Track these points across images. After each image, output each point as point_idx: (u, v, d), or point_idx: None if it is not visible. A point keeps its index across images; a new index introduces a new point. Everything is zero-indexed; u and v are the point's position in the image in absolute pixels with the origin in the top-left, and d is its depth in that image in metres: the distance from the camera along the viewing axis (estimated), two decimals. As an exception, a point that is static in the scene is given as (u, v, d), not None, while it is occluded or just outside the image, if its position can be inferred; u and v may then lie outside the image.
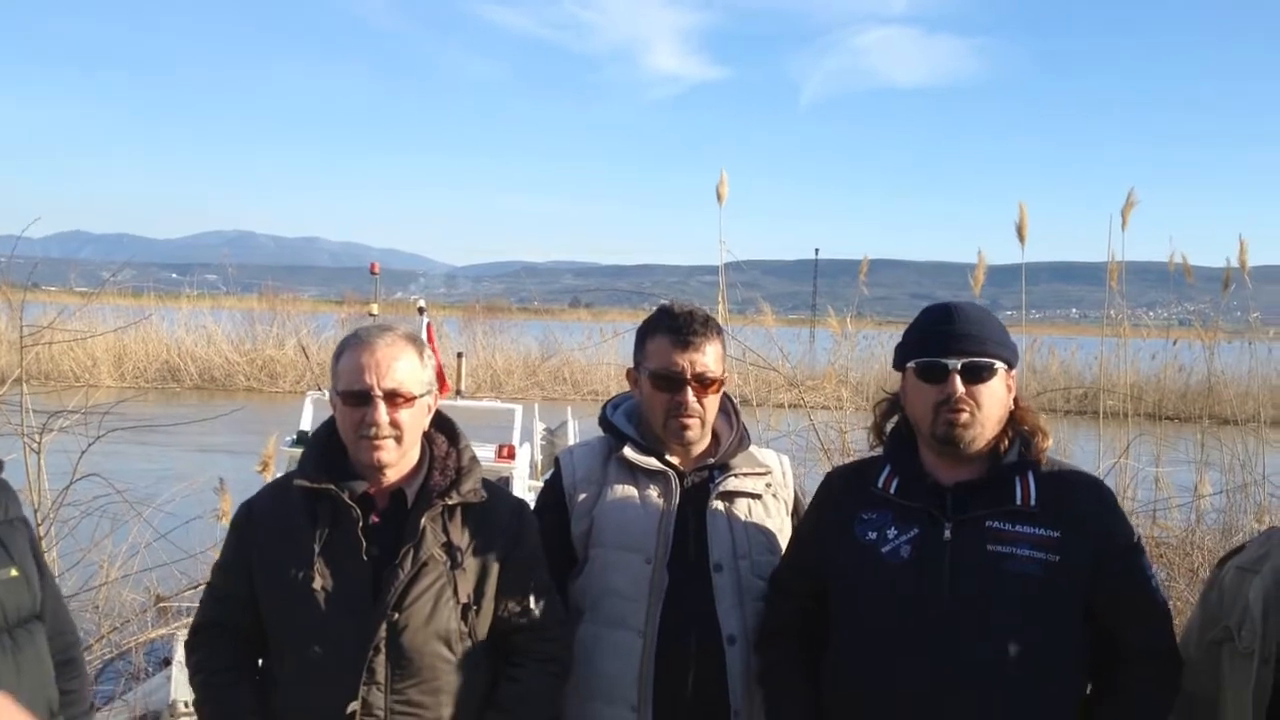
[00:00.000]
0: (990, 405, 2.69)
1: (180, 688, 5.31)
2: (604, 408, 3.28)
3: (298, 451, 7.25)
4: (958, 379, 2.68)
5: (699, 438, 3.09)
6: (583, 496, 3.11)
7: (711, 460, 3.13)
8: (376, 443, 2.71)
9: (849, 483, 2.91)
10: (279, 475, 2.96)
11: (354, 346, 2.76)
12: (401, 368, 2.74)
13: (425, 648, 2.69)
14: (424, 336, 8.09)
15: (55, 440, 6.06)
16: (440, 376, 8.14)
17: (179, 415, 9.51)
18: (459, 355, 8.58)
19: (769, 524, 3.12)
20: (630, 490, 3.08)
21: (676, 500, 3.05)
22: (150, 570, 7.09)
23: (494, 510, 2.85)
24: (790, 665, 2.91)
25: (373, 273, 8.30)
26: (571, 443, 8.47)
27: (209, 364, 30.54)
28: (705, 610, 2.99)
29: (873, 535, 2.75)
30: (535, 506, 3.23)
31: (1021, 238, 7.85)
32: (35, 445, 5.73)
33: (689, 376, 3.03)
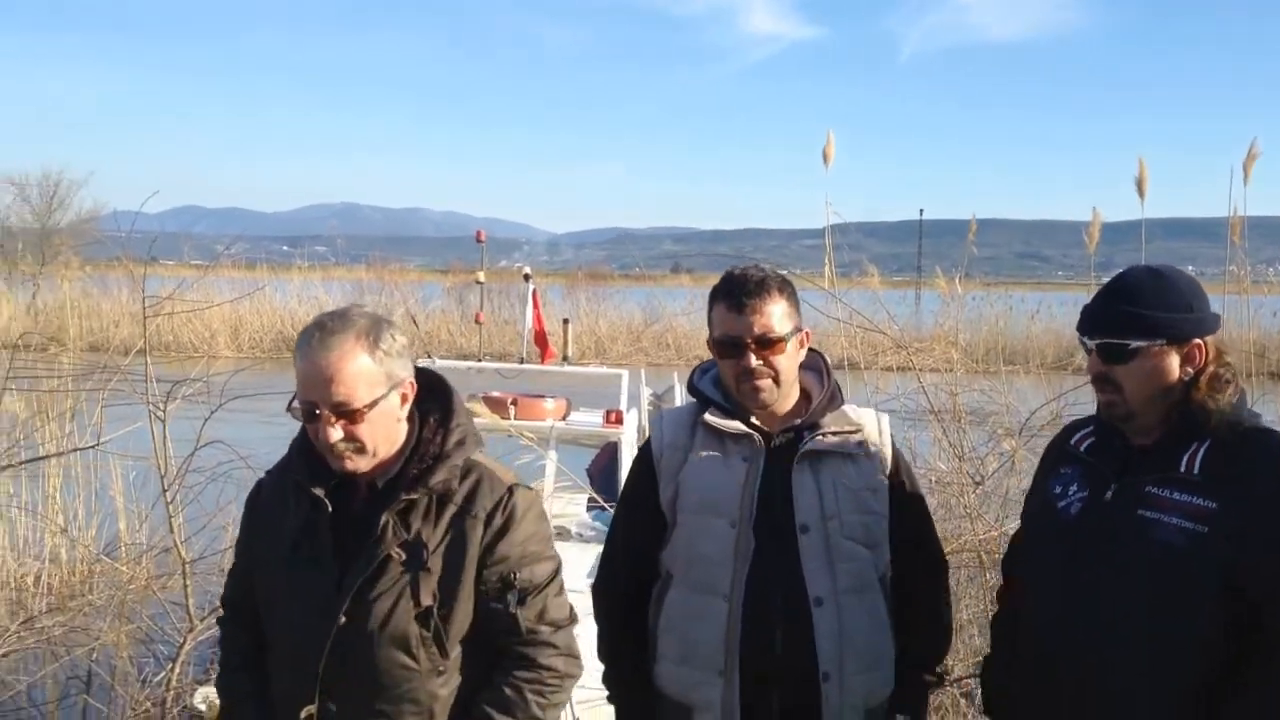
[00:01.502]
0: (1134, 385, 2.64)
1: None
2: (692, 373, 3.27)
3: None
4: (1097, 359, 2.67)
5: (774, 399, 3.05)
6: (669, 462, 3.12)
7: (799, 420, 3.08)
8: (335, 455, 2.50)
9: (1061, 439, 2.93)
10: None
11: (302, 352, 2.49)
12: (349, 377, 2.45)
13: (380, 652, 2.49)
14: (530, 303, 8.21)
15: (179, 409, 6.23)
16: (545, 342, 8.24)
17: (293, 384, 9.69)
18: (565, 321, 8.63)
19: (860, 483, 3.06)
20: (715, 454, 3.07)
21: (761, 462, 3.03)
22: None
23: (477, 498, 2.59)
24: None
25: (478, 240, 8.37)
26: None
27: (321, 334, 31.04)
28: (792, 572, 2.97)
29: (1059, 490, 2.77)
30: (629, 472, 3.26)
31: (1141, 193, 7.66)
32: (160, 414, 5.91)
33: (749, 340, 2.99)
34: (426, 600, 2.50)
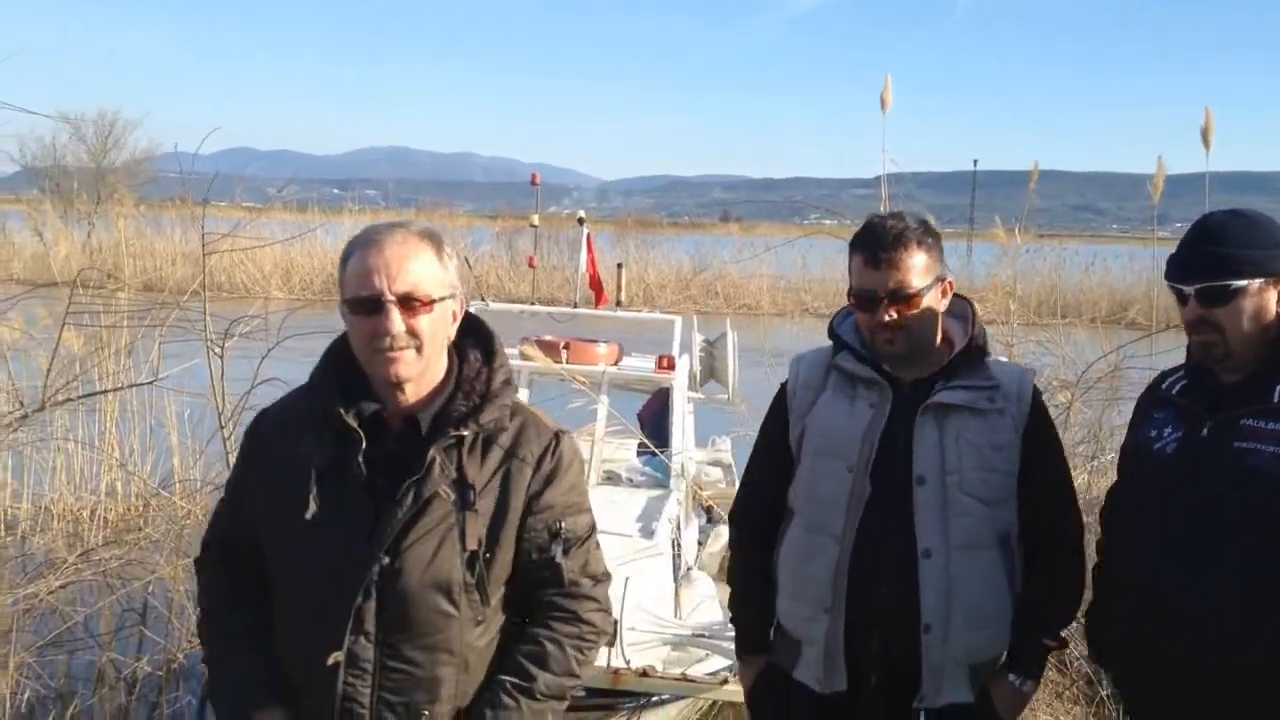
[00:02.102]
0: (1235, 325, 2.64)
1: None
2: (834, 316, 3.28)
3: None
4: (1196, 304, 2.66)
5: (905, 352, 3.03)
6: (800, 402, 3.16)
7: (933, 370, 3.06)
8: (392, 355, 2.33)
9: (1152, 387, 2.95)
10: (298, 387, 2.61)
11: (362, 247, 2.37)
12: (416, 268, 2.34)
13: (421, 597, 2.34)
14: (585, 247, 8.18)
15: (235, 346, 6.27)
16: (599, 286, 8.21)
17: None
18: (618, 266, 8.56)
19: (986, 440, 3.01)
20: (843, 398, 3.09)
21: (888, 410, 3.02)
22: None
23: (524, 443, 2.46)
24: None
25: (534, 184, 8.31)
26: (731, 355, 8.47)
27: (372, 277, 31.21)
28: (904, 523, 2.96)
29: (1153, 434, 2.79)
30: (768, 409, 3.30)
31: (1206, 144, 7.47)
32: (218, 351, 5.94)
33: (883, 295, 2.97)
34: (473, 544, 2.36)
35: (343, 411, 2.36)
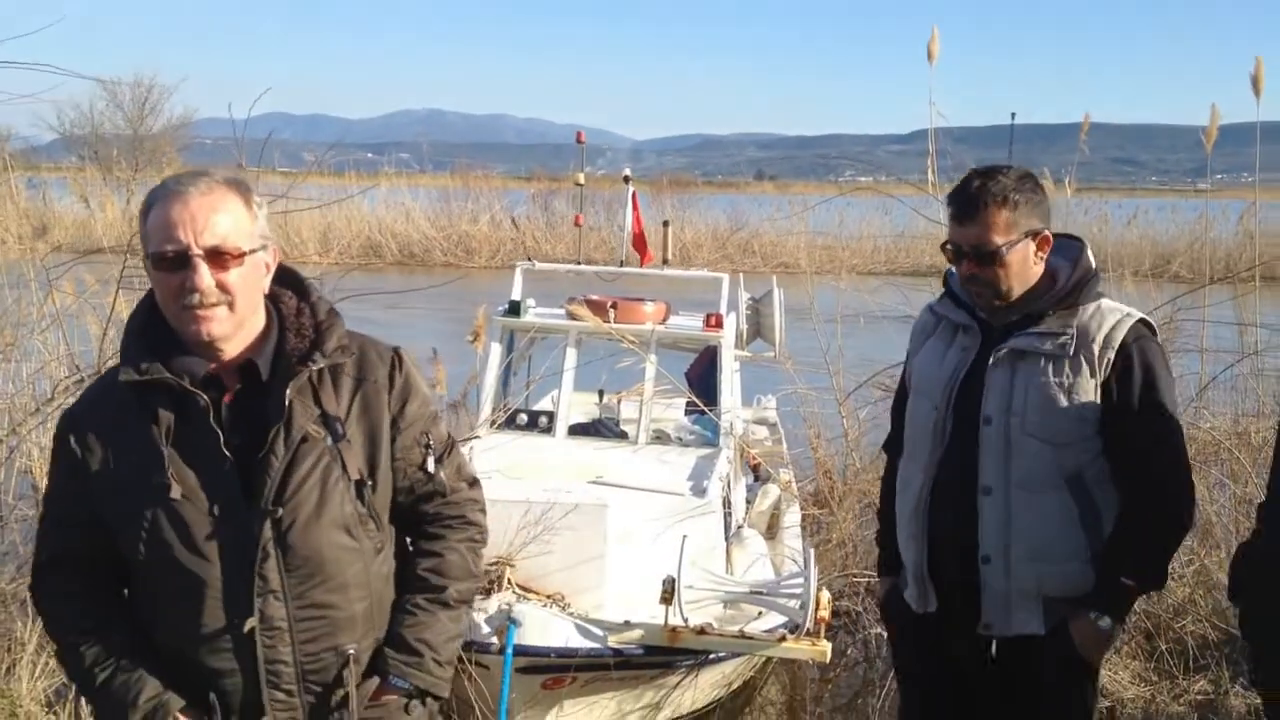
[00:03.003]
0: None
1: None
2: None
3: (513, 320, 7.45)
4: None
5: (992, 302, 3.22)
6: (914, 345, 3.53)
7: (1019, 315, 3.21)
8: (203, 312, 2.23)
9: None
10: (111, 369, 2.46)
11: (164, 199, 2.24)
12: (224, 220, 2.23)
13: (323, 540, 2.31)
14: (630, 206, 8.13)
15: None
16: (644, 245, 8.16)
17: (388, 287, 9.78)
18: (665, 224, 8.52)
19: (1056, 382, 3.13)
20: (943, 342, 3.37)
21: (975, 352, 3.24)
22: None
23: (370, 366, 2.44)
24: None
25: (579, 142, 8.26)
26: (777, 312, 8.42)
27: (408, 240, 31.37)
28: (971, 460, 3.19)
29: None
30: None
31: (1257, 91, 7.34)
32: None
33: (966, 250, 3.17)
34: (355, 474, 2.35)
35: (174, 377, 2.25)
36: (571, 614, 5.26)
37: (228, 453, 2.26)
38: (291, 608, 2.29)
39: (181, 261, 2.21)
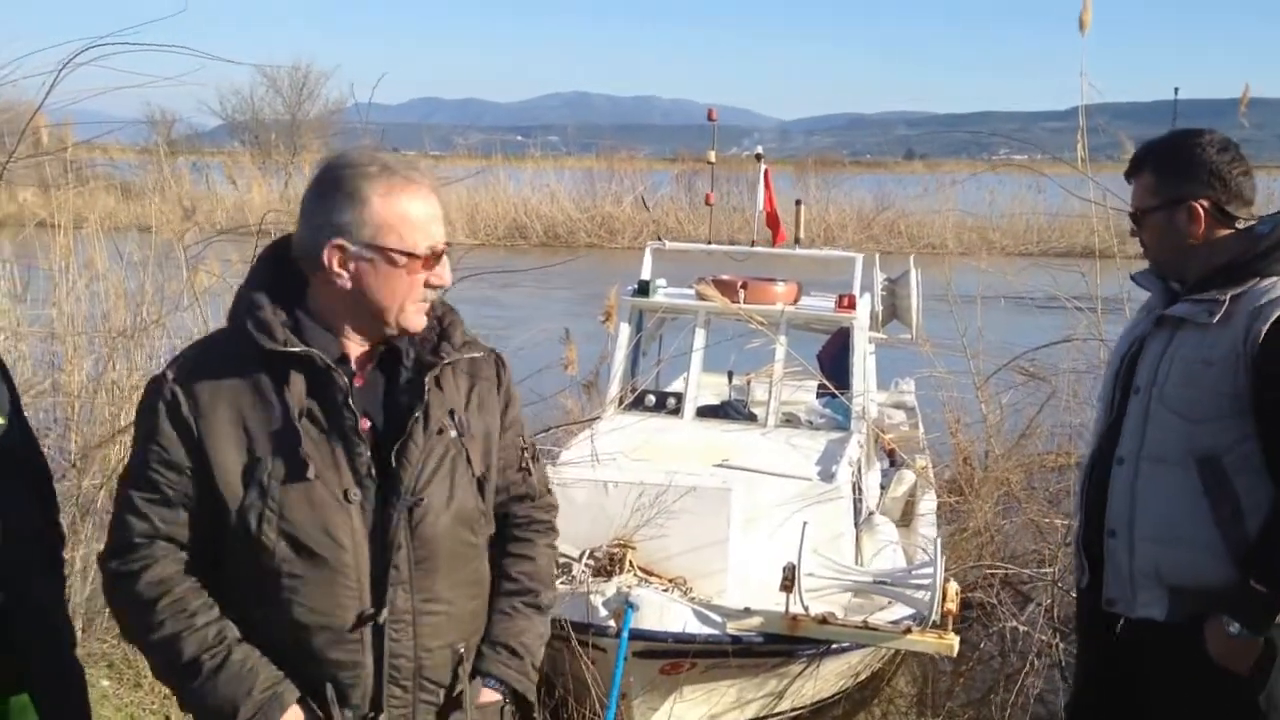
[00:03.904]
0: None
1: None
2: None
3: (642, 300, 7.39)
4: None
5: (1150, 264, 3.25)
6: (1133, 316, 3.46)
7: (1186, 284, 3.13)
8: (424, 312, 2.28)
9: None
10: (215, 335, 2.36)
11: (403, 188, 2.20)
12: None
13: (449, 534, 2.27)
14: (762, 184, 7.98)
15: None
16: (777, 223, 8.01)
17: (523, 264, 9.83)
18: (797, 203, 8.32)
19: (1199, 355, 2.97)
20: (1143, 310, 3.32)
21: (1149, 323, 3.17)
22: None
23: (481, 365, 2.42)
24: None
25: (710, 119, 8.12)
26: (914, 293, 8.18)
27: (553, 221, 31.68)
28: (1117, 430, 3.14)
29: None
30: None
31: None
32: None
33: (1130, 212, 3.21)
34: (480, 469, 2.34)
35: (317, 351, 2.18)
36: (692, 599, 5.19)
37: (362, 437, 2.20)
38: (416, 601, 2.24)
39: (439, 258, 2.24)
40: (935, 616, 4.84)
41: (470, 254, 7.60)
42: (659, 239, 7.81)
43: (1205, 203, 3.05)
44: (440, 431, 2.27)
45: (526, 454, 2.51)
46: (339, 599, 2.18)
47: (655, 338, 7.86)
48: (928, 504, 7.43)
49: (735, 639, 4.94)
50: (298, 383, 2.18)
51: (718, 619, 4.96)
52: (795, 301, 7.27)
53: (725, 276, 7.23)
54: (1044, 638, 5.79)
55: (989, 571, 6.48)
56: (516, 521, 2.51)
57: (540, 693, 5.04)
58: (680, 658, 4.94)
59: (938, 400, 8.92)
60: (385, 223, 2.18)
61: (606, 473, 5.63)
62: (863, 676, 6.06)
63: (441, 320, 2.35)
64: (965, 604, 5.76)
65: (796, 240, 7.97)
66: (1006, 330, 9.26)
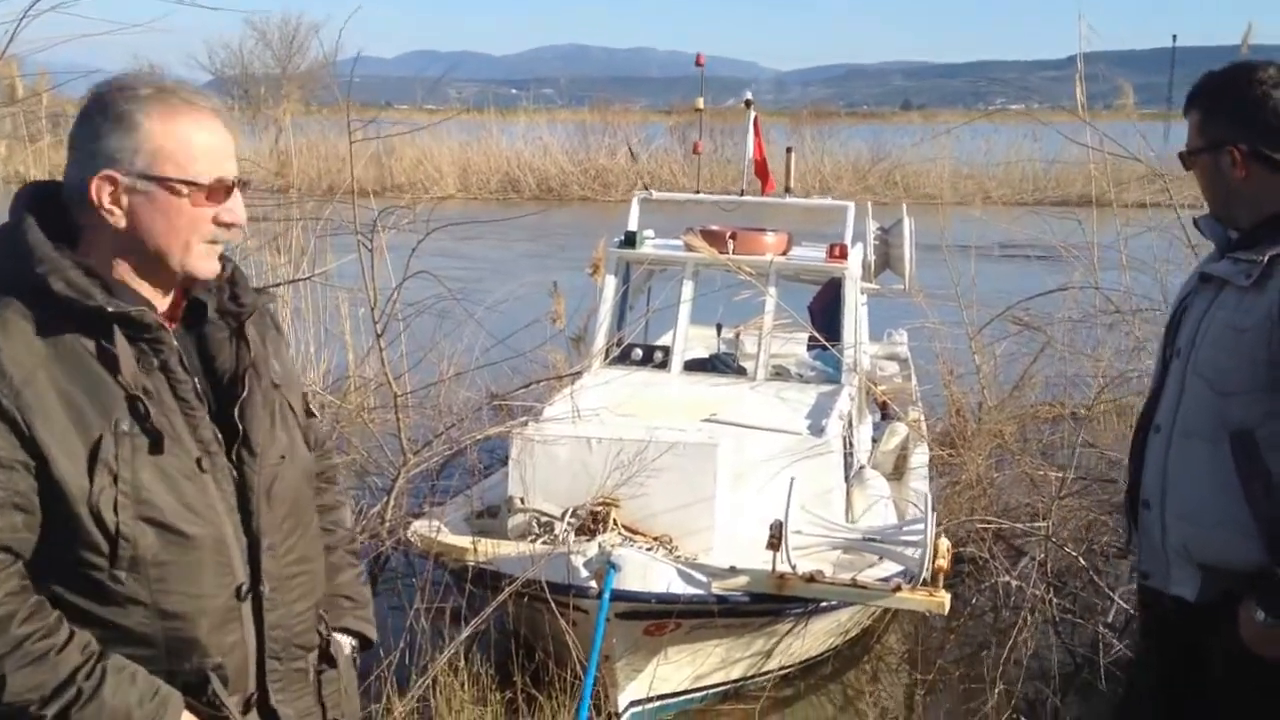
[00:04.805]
0: None
1: (515, 484, 5.41)
2: None
3: (628, 252, 7.22)
4: None
5: (1209, 210, 2.98)
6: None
7: (1236, 237, 2.87)
8: (214, 256, 2.00)
9: None
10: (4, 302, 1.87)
11: (187, 114, 1.93)
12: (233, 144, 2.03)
13: (299, 490, 2.11)
14: (751, 131, 7.78)
15: (390, 241, 6.16)
16: (766, 172, 7.82)
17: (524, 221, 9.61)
18: (788, 150, 8.13)
19: (1229, 320, 2.72)
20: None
21: (1195, 279, 2.95)
22: (483, 368, 7.26)
23: (265, 310, 2.18)
24: None
25: (698, 64, 7.91)
26: (907, 243, 8.00)
27: (546, 175, 31.39)
28: (1159, 394, 2.94)
29: None
30: None
31: None
32: (368, 244, 5.81)
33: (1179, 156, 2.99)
34: (303, 419, 2.19)
35: (144, 310, 1.91)
36: (678, 557, 5.07)
37: (201, 399, 1.97)
38: (284, 565, 2.05)
39: (225, 192, 1.96)
40: (926, 574, 4.72)
41: (463, 207, 7.41)
42: (645, 188, 7.63)
43: (1244, 146, 2.79)
44: (267, 384, 2.08)
45: (307, 398, 2.34)
46: (215, 578, 1.95)
47: (643, 290, 7.70)
48: (920, 457, 7.31)
49: (720, 599, 4.81)
50: (124, 347, 1.88)
51: (702, 579, 4.83)
52: (785, 252, 7.10)
53: (714, 226, 7.06)
54: (1037, 593, 5.67)
55: (981, 526, 6.36)
56: (316, 470, 2.31)
57: (519, 655, 5.00)
58: (664, 619, 4.82)
59: (930, 352, 8.78)
60: (161, 149, 1.90)
61: (589, 429, 5.49)
62: (852, 634, 5.94)
63: (224, 267, 2.08)
64: (957, 559, 5.64)
65: (787, 190, 7.79)
66: (1001, 280, 9.11)
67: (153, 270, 1.96)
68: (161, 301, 1.99)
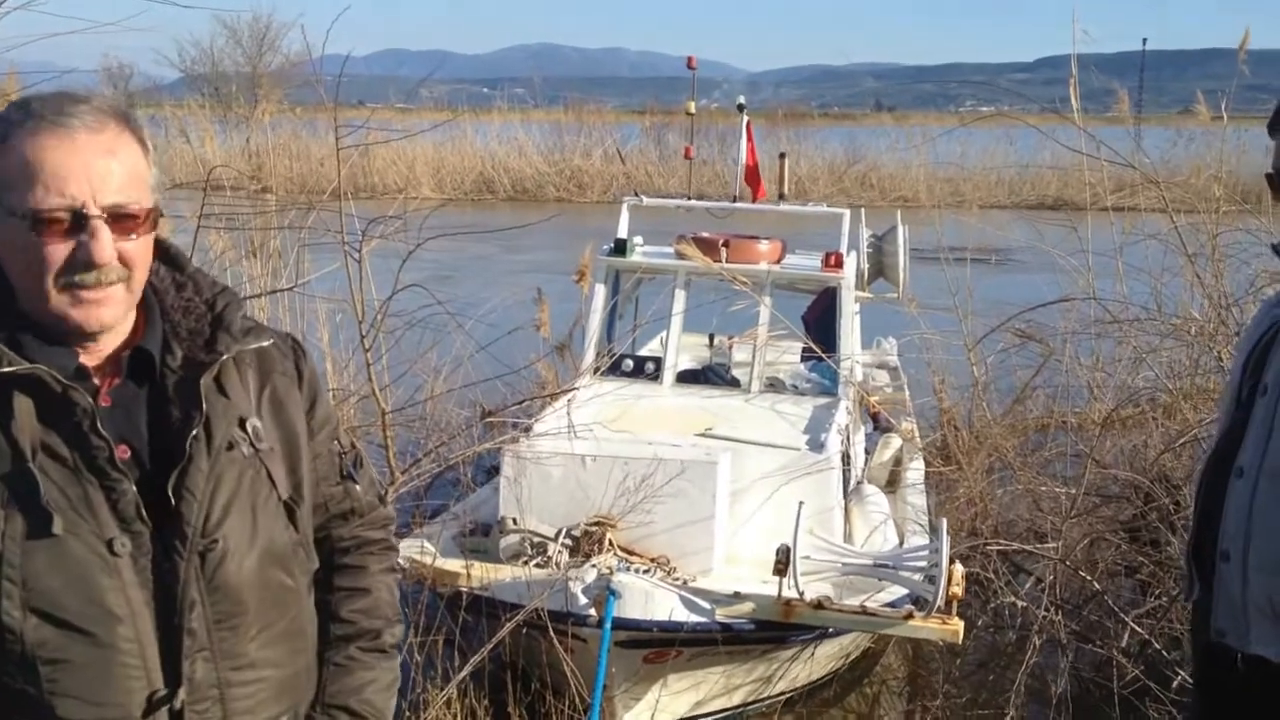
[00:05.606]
0: None
1: (508, 504, 5.21)
2: None
3: (619, 260, 7.02)
4: None
5: None
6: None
7: None
8: (94, 294, 1.66)
9: None
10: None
11: (36, 132, 1.63)
12: (122, 168, 1.66)
13: (257, 580, 1.76)
14: (744, 136, 7.60)
15: (380, 248, 5.94)
16: (758, 178, 7.64)
17: (495, 223, 9.41)
18: (781, 156, 7.96)
19: None
20: None
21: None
22: (474, 384, 7.05)
23: (275, 354, 1.89)
24: None
25: (690, 67, 7.71)
26: (901, 249, 7.85)
27: (521, 175, 31.17)
28: (1240, 433, 2.57)
29: None
30: None
31: None
32: (356, 254, 5.59)
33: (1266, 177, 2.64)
34: (286, 491, 1.83)
35: (47, 370, 1.64)
36: (677, 579, 4.88)
37: (122, 470, 1.67)
38: (222, 670, 1.73)
39: (77, 225, 1.63)
40: (940, 601, 4.55)
41: (438, 212, 7.19)
42: (635, 194, 7.42)
43: None
44: (230, 448, 1.75)
45: (346, 459, 2.01)
46: (119, 683, 1.65)
47: (632, 299, 7.50)
48: (915, 469, 7.17)
49: (725, 626, 4.64)
50: (24, 411, 1.64)
51: (706, 605, 4.65)
52: (779, 260, 6.93)
53: (706, 234, 6.88)
54: (1046, 614, 5.50)
55: (984, 546, 6.19)
56: (342, 546, 2.03)
57: (516, 686, 4.79)
58: (666, 647, 4.63)
59: (924, 361, 8.63)
60: (7, 176, 1.63)
61: (584, 446, 5.29)
62: (854, 656, 5.78)
63: (213, 306, 1.83)
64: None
65: (780, 196, 7.61)
66: (997, 288, 8.98)
67: (46, 315, 1.68)
68: (93, 351, 1.72)
